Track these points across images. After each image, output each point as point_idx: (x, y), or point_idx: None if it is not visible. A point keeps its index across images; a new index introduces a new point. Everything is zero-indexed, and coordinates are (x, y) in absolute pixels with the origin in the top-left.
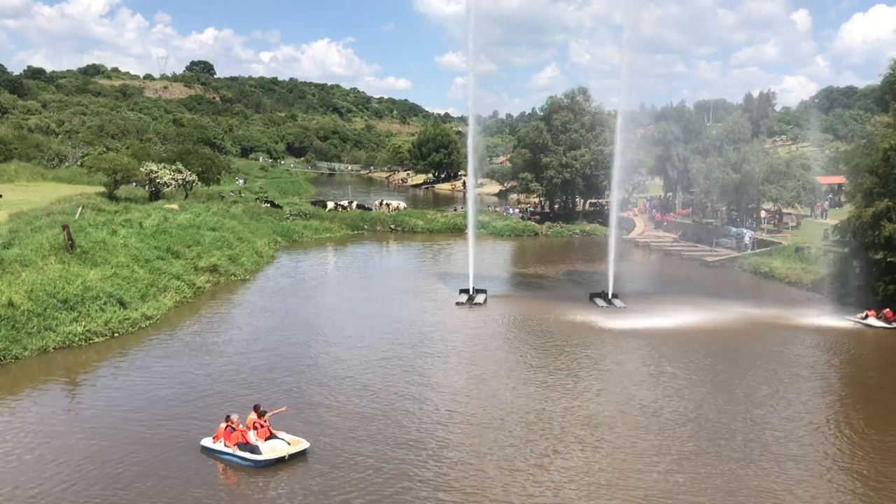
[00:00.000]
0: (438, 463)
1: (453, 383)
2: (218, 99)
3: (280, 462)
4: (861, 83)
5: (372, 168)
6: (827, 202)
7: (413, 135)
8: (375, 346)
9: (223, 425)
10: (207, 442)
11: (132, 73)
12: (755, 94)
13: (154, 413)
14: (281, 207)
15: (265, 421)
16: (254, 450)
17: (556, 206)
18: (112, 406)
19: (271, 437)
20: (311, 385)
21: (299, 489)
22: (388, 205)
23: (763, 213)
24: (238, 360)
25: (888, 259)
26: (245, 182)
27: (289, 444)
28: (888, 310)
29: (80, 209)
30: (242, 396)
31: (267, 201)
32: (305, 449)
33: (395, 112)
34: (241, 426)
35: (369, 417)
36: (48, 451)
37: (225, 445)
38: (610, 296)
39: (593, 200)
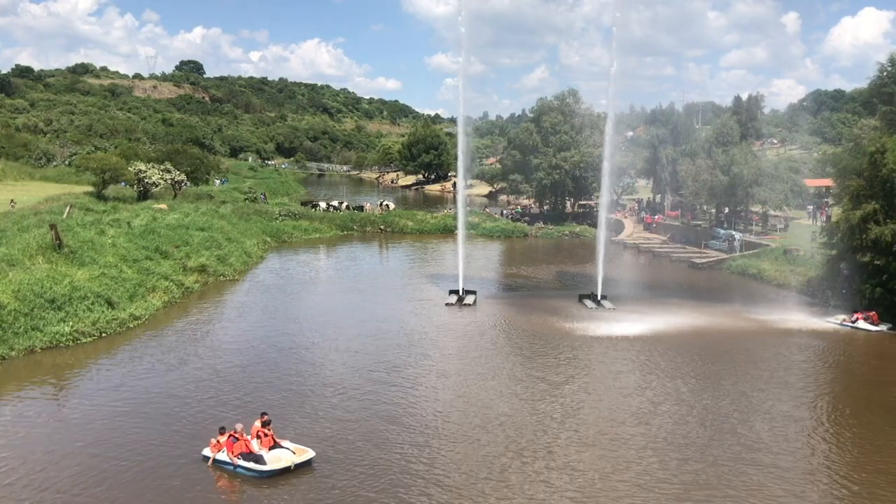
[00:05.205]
0: (438, 471)
1: (445, 387)
2: (207, 99)
3: (285, 472)
4: (849, 86)
5: (369, 168)
6: (829, 209)
7: (403, 135)
8: (366, 349)
9: (213, 440)
10: (208, 451)
11: (121, 72)
12: (744, 96)
13: (144, 417)
14: (316, 206)
15: (269, 429)
16: (258, 460)
17: (546, 208)
18: (101, 409)
19: (275, 446)
20: (307, 388)
21: (304, 501)
22: (388, 206)
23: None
24: (230, 362)
25: (875, 262)
26: (224, 182)
27: (293, 453)
28: (874, 312)
29: (68, 209)
30: (238, 398)
31: (304, 202)
32: (311, 458)
33: (385, 113)
34: (244, 435)
35: (366, 422)
36: (33, 455)
37: (228, 455)
38: (599, 297)
39: (583, 202)
